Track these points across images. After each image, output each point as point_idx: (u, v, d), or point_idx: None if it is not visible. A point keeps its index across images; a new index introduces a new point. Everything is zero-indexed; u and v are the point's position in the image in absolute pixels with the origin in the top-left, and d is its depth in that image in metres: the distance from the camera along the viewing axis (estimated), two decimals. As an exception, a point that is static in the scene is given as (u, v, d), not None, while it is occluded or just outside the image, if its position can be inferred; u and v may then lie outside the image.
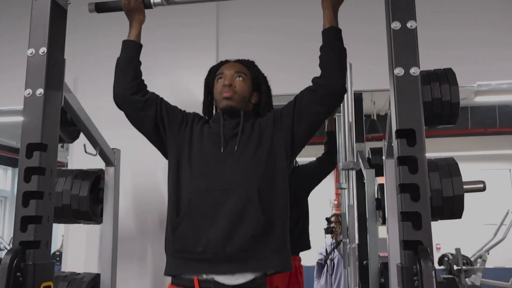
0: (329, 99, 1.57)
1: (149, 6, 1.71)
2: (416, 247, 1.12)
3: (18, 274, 1.23)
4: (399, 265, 1.15)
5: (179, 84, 2.65)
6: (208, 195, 1.52)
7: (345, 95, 2.07)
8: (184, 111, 1.75)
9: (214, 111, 1.82)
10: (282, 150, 1.60)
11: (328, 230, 4.40)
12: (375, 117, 6.55)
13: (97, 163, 2.10)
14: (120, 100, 1.68)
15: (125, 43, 1.72)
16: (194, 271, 1.49)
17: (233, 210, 1.48)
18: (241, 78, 1.69)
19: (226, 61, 1.79)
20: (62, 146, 4.69)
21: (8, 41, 2.99)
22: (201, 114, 1.79)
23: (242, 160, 1.56)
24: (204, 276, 1.49)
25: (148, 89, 1.73)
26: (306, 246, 2.69)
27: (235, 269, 1.47)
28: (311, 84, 1.61)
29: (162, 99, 1.72)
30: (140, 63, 1.72)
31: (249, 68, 1.75)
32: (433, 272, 1.07)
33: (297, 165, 2.76)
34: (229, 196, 1.50)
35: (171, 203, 1.58)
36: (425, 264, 1.07)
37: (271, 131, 1.61)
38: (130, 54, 1.70)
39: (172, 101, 1.77)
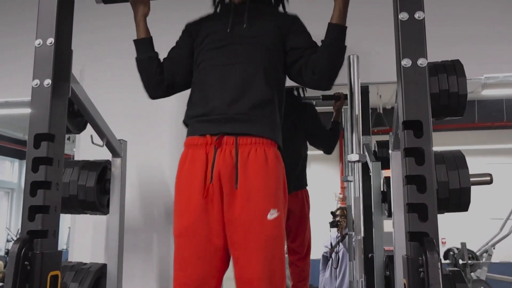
0: (312, 87, 1.74)
1: None
2: (422, 238, 1.11)
3: (26, 262, 1.24)
4: (405, 256, 1.15)
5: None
6: (217, 69, 1.65)
7: (352, 89, 2.07)
8: (183, 31, 1.84)
9: None
10: (281, 49, 1.70)
11: (333, 224, 4.40)
12: (381, 111, 6.52)
13: (103, 154, 2.11)
14: (158, 98, 1.84)
15: (138, 43, 1.76)
16: (204, 130, 1.61)
17: (240, 80, 1.61)
18: None
19: None
20: (69, 139, 4.72)
21: (16, 33, 3.00)
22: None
23: (251, 40, 1.67)
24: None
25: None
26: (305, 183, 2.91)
27: (238, 129, 1.58)
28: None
29: (168, 57, 1.81)
30: (157, 55, 1.78)
31: None
32: (439, 264, 1.06)
33: (315, 103, 2.93)
34: (237, 69, 1.63)
35: (192, 85, 1.73)
36: (431, 255, 1.06)
37: (282, 32, 1.70)
38: (146, 53, 1.75)
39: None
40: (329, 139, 2.88)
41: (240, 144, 1.56)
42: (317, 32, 1.67)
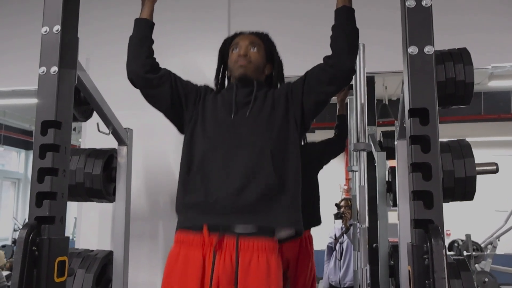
0: (338, 79, 1.58)
1: None
2: (427, 225, 1.12)
3: (34, 248, 1.25)
4: (410, 243, 1.16)
5: (191, 65, 2.66)
6: (220, 153, 1.55)
7: (358, 77, 2.07)
8: (196, 84, 1.77)
9: (226, 83, 1.85)
10: (293, 121, 1.62)
11: (337, 216, 4.40)
12: (386, 102, 6.51)
13: (109, 143, 2.12)
14: (135, 78, 1.69)
15: (138, 21, 1.72)
16: (204, 221, 1.51)
17: (245, 167, 1.51)
18: (255, 49, 1.72)
19: (241, 33, 1.80)
20: (74, 129, 4.74)
21: (23, 22, 3.01)
22: (212, 87, 1.82)
23: (255, 124, 1.59)
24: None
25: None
26: (317, 221, 2.71)
27: (244, 221, 1.49)
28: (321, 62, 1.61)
29: (175, 74, 1.73)
30: (152, 41, 1.72)
31: (263, 40, 1.79)
32: (444, 251, 1.07)
33: (306, 141, 2.77)
34: (241, 154, 1.53)
35: (183, 163, 1.61)
36: (436, 242, 1.07)
37: (284, 101, 1.64)
38: (143, 32, 1.70)
39: (184, 82, 1.78)
40: (338, 143, 2.82)
41: (242, 248, 1.46)
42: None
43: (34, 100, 1.39)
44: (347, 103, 3.03)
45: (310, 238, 2.68)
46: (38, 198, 1.31)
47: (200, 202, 1.52)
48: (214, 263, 1.45)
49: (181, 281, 1.47)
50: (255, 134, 1.56)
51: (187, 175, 1.58)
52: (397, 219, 1.91)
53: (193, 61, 2.69)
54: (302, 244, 2.58)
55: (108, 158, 2.06)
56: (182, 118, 1.70)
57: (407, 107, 1.20)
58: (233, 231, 1.48)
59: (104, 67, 2.66)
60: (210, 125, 1.62)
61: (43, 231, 1.29)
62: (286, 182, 1.53)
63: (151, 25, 1.73)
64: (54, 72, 1.37)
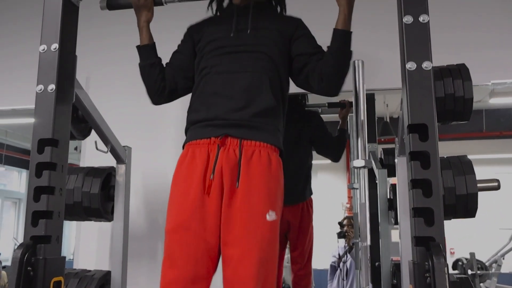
0: (319, 94, 1.70)
1: (160, 3, 1.71)
2: (428, 243, 1.10)
3: (29, 268, 1.24)
4: (411, 261, 1.13)
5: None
6: (222, 75, 1.63)
7: (358, 94, 2.06)
8: (183, 38, 1.82)
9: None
10: (285, 54, 1.69)
11: (340, 234, 4.37)
12: (388, 120, 6.50)
13: (108, 161, 2.11)
14: (160, 103, 1.81)
15: (141, 50, 1.75)
16: (207, 134, 1.58)
17: (246, 89, 1.59)
18: None
19: None
20: (76, 149, 4.74)
21: (23, 40, 3.02)
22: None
23: (254, 50, 1.65)
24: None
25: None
26: (310, 191, 2.84)
27: (242, 134, 1.55)
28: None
29: (169, 64, 1.78)
30: (160, 61, 1.76)
31: None
32: (446, 269, 1.04)
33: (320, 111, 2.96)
34: (242, 78, 1.61)
35: (194, 88, 1.70)
36: (438, 260, 1.05)
37: (284, 40, 1.68)
38: (149, 59, 1.73)
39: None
40: (337, 146, 2.86)
41: (244, 145, 1.54)
42: (322, 39, 1.67)
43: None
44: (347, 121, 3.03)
45: (310, 201, 2.81)
46: (34, 217, 1.30)
47: (201, 119, 1.61)
48: (218, 154, 1.52)
49: (187, 172, 1.55)
50: (255, 59, 1.64)
51: (193, 98, 1.69)
52: (399, 235, 1.88)
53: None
54: (304, 207, 2.73)
55: (106, 176, 2.04)
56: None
57: (406, 123, 1.19)
58: (236, 135, 1.56)
59: (104, 86, 2.66)
60: (212, 49, 1.68)
61: (38, 251, 1.28)
62: (278, 106, 1.63)
63: (154, 47, 1.75)
64: (51, 90, 1.37)
